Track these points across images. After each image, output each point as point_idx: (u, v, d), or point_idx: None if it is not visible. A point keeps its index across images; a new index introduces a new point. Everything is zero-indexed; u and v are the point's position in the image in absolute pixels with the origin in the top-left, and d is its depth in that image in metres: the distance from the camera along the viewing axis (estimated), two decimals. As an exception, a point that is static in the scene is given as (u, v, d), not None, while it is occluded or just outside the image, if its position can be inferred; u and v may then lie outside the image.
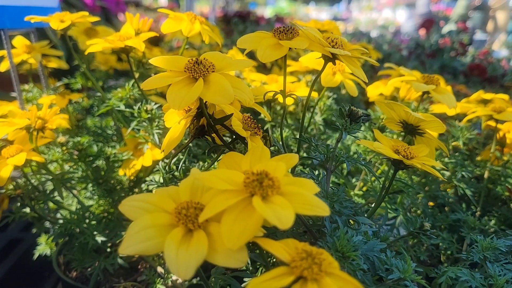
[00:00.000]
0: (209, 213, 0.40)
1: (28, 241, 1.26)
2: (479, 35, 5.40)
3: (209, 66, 0.50)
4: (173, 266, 0.37)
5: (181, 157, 0.68)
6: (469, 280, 0.56)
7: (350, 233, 0.49)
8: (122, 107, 0.75)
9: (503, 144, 0.92)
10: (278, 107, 0.93)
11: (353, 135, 0.55)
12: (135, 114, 0.70)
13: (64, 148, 0.83)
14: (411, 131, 0.65)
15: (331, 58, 0.57)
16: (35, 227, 0.96)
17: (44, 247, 0.95)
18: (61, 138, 0.82)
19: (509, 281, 0.54)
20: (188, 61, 0.51)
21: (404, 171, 0.84)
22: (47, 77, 1.11)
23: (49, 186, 0.83)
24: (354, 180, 0.83)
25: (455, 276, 0.57)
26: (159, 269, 0.74)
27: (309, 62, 0.76)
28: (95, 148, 0.81)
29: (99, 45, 0.71)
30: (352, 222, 0.56)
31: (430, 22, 2.10)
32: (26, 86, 1.05)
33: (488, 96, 0.95)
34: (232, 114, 0.53)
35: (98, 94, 0.88)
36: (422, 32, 3.08)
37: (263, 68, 1.36)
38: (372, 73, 1.43)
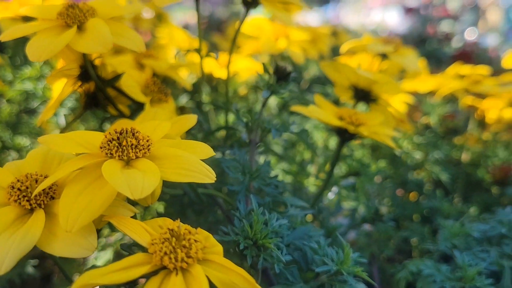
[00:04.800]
0: (48, 183, 0.29)
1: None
2: (476, 34, 5.32)
3: (87, 11, 0.40)
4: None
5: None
6: (433, 273, 0.44)
7: (272, 215, 0.38)
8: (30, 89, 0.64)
9: (482, 124, 0.81)
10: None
11: (278, 95, 0.44)
12: (40, 93, 0.60)
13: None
14: (363, 97, 0.54)
15: (250, 3, 0.46)
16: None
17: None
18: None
19: (482, 272, 0.43)
20: (62, 6, 0.40)
21: (366, 154, 0.73)
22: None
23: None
24: (310, 167, 0.71)
25: (417, 269, 0.46)
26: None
27: (247, 29, 0.66)
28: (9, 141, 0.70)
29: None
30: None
31: (410, 9, 2.02)
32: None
33: (465, 70, 0.85)
34: (123, 74, 0.42)
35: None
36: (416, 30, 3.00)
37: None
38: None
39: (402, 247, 0.64)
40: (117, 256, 0.55)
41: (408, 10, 2.11)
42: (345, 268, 0.37)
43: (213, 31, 1.48)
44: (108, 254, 0.50)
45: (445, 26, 1.88)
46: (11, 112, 0.79)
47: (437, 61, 1.68)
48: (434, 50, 1.68)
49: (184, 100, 0.71)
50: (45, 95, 0.59)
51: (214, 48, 1.26)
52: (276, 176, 0.42)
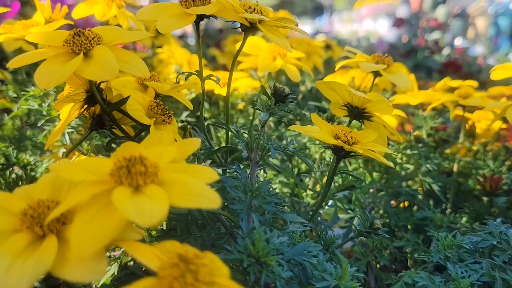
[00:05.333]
0: (60, 210, 0.30)
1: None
2: (460, 42, 5.41)
3: (92, 38, 0.41)
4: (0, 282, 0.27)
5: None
6: (428, 285, 0.46)
7: (273, 233, 0.40)
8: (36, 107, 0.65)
9: (472, 135, 0.83)
10: (222, 103, 0.84)
11: (277, 116, 0.46)
12: (44, 112, 0.61)
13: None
14: (357, 115, 0.56)
15: (249, 28, 0.48)
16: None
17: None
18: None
19: (475, 284, 0.45)
20: (69, 33, 0.42)
21: (362, 167, 0.75)
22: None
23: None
24: (307, 180, 0.73)
25: (412, 281, 0.48)
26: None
27: (245, 48, 0.68)
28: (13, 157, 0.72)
29: (0, 36, 0.62)
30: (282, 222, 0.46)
31: (400, 21, 2.05)
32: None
33: (454, 83, 0.87)
34: (128, 98, 0.44)
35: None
36: (405, 39, 3.04)
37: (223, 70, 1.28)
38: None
39: (397, 256, 0.66)
40: (122, 270, 0.56)
41: (397, 21, 2.14)
42: (343, 284, 0.39)
43: (210, 41, 1.51)
44: (113, 268, 0.51)
45: (435, 36, 1.92)
46: (14, 127, 0.80)
47: (428, 69, 1.71)
48: (424, 59, 1.71)
49: (184, 114, 0.72)
50: (49, 113, 0.60)
51: (212, 61, 1.28)
52: (276, 194, 0.44)
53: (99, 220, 0.30)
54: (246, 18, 0.47)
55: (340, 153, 0.50)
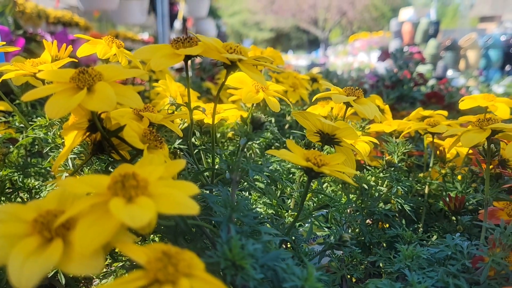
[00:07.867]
0: (66, 216, 0.37)
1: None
2: (451, 74, 5.60)
3: (95, 75, 0.49)
4: (15, 276, 0.33)
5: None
6: (389, 290, 0.52)
7: (248, 241, 0.46)
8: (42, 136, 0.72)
9: (443, 160, 0.90)
10: (218, 135, 0.92)
11: (255, 142, 0.53)
12: (49, 140, 0.68)
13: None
14: (328, 141, 0.63)
15: (230, 66, 0.56)
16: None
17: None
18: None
19: (429, 289, 0.51)
20: (75, 71, 0.50)
21: (339, 188, 0.81)
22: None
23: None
24: (289, 201, 0.79)
25: (376, 287, 0.53)
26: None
27: (232, 82, 0.76)
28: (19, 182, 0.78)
29: (12, 72, 0.69)
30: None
31: (386, 54, 2.16)
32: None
33: (426, 112, 0.95)
34: (124, 126, 0.51)
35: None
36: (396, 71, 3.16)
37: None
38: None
39: (371, 270, 0.71)
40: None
41: (383, 55, 2.26)
42: (309, 284, 0.45)
43: (205, 74, 1.60)
44: (109, 280, 0.57)
45: (420, 68, 2.02)
46: (18, 155, 0.87)
47: (413, 100, 1.80)
48: (409, 90, 1.80)
49: (177, 142, 0.79)
50: (54, 141, 0.67)
51: (207, 93, 1.37)
52: (253, 209, 0.51)
53: (98, 224, 0.36)
54: (227, 58, 0.54)
55: (311, 173, 0.56)
